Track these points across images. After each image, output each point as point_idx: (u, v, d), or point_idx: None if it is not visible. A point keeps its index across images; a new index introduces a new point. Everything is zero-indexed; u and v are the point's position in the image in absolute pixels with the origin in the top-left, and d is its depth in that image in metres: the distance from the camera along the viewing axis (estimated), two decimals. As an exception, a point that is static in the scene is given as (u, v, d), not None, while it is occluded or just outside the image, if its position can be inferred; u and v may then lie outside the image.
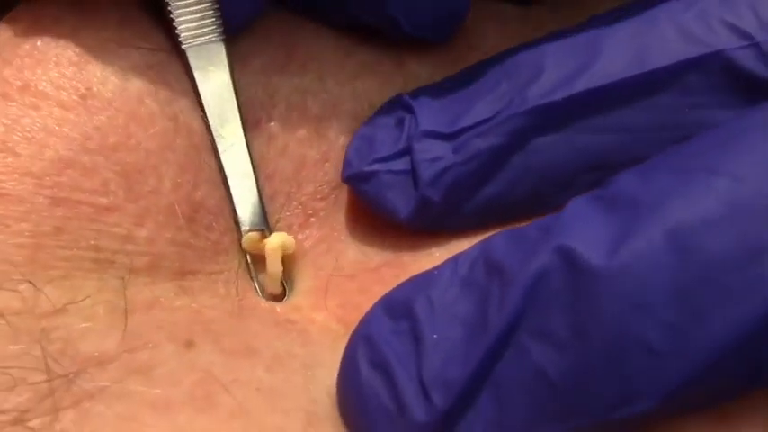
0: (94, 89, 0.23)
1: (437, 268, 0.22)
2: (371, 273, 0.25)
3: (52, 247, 0.22)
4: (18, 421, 0.19)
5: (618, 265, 0.18)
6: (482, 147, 0.24)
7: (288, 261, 0.25)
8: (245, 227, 0.25)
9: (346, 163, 0.25)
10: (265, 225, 0.25)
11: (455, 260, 0.21)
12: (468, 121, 0.24)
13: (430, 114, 0.24)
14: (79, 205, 0.23)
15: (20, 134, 0.22)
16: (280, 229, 0.26)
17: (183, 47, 0.25)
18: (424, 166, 0.24)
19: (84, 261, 0.22)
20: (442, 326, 0.20)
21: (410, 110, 0.25)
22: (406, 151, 0.24)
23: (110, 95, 0.24)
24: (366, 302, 0.23)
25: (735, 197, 0.18)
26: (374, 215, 0.25)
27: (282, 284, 0.25)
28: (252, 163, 0.25)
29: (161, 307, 0.23)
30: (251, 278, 0.25)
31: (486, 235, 0.24)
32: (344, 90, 0.27)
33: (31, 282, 0.21)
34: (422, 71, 0.27)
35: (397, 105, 0.25)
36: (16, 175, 0.22)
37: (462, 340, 0.19)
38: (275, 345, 0.23)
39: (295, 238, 0.25)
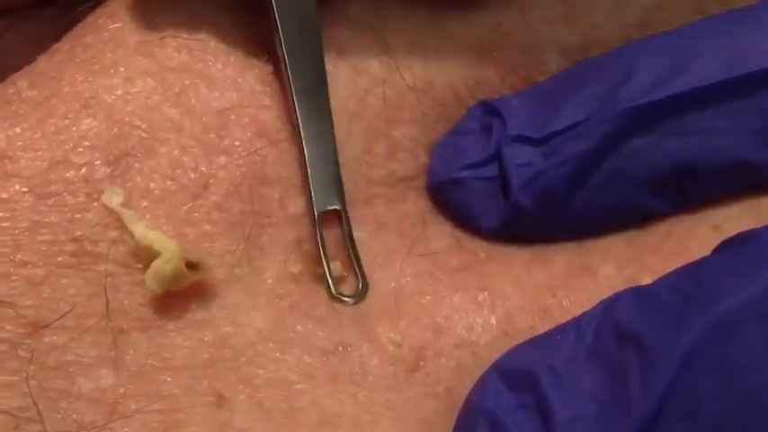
0: (100, 98, 0.23)
1: (557, 332, 0.20)
2: (454, 276, 0.24)
3: (32, 243, 0.21)
4: None
5: None
6: (573, 151, 0.23)
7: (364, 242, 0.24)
8: (317, 203, 0.23)
9: (431, 171, 0.25)
10: (340, 203, 0.23)
11: (577, 324, 0.20)
12: (557, 125, 0.23)
13: (519, 119, 0.24)
14: (61, 197, 0.22)
15: (19, 144, 0.22)
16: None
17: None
18: (515, 172, 0.23)
19: (65, 256, 0.21)
20: (572, 402, 0.19)
21: (497, 115, 0.24)
22: (495, 157, 0.24)
23: (111, 100, 0.23)
24: (447, 317, 0.23)
25: None
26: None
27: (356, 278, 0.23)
28: (333, 136, 0.23)
29: (165, 330, 0.21)
30: (324, 265, 0.23)
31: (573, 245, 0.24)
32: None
33: (5, 295, 0.21)
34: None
35: (482, 111, 0.25)
36: (8, 179, 0.22)
37: (599, 421, 0.18)
38: (321, 401, 0.21)
39: (358, 214, 0.24)
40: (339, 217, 0.23)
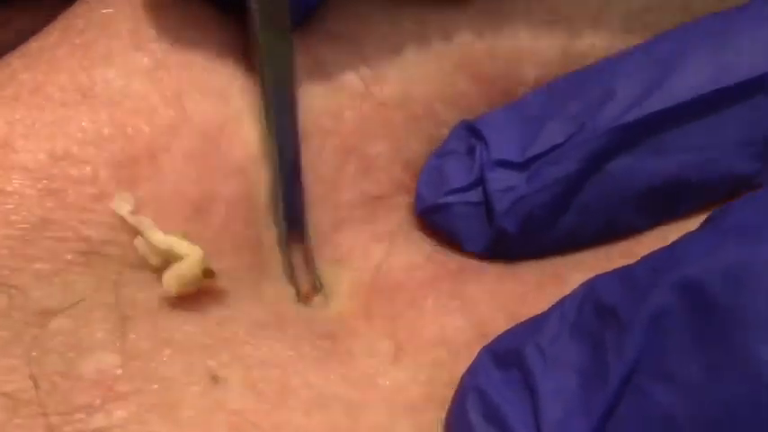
0: (97, 89, 0.23)
1: (544, 314, 0.21)
2: (423, 285, 0.24)
3: (40, 239, 0.21)
4: None
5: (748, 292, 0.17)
6: (556, 174, 0.23)
7: (324, 264, 0.24)
8: (281, 225, 0.24)
9: (418, 196, 0.25)
10: (302, 226, 0.24)
11: (561, 304, 0.20)
12: (539, 147, 0.23)
13: (500, 142, 0.24)
14: (68, 195, 0.22)
15: (20, 132, 0.23)
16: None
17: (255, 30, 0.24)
18: (498, 197, 0.23)
19: (74, 254, 0.22)
20: (556, 375, 0.19)
21: (479, 137, 0.24)
22: (480, 181, 0.24)
23: (112, 93, 0.23)
24: (419, 319, 0.23)
25: None
26: (423, 227, 0.25)
27: (317, 286, 0.24)
28: (299, 159, 0.24)
29: (168, 316, 0.22)
30: (289, 278, 0.24)
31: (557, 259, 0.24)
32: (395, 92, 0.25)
33: (14, 286, 0.21)
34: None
35: (465, 133, 0.25)
36: (12, 170, 0.22)
37: (580, 390, 0.19)
38: (313, 382, 0.22)
39: (326, 240, 0.25)
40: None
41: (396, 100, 0.25)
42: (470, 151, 0.24)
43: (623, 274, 0.19)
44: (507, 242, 0.24)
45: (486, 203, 0.24)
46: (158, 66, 0.24)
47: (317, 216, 0.25)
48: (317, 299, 0.24)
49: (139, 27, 0.24)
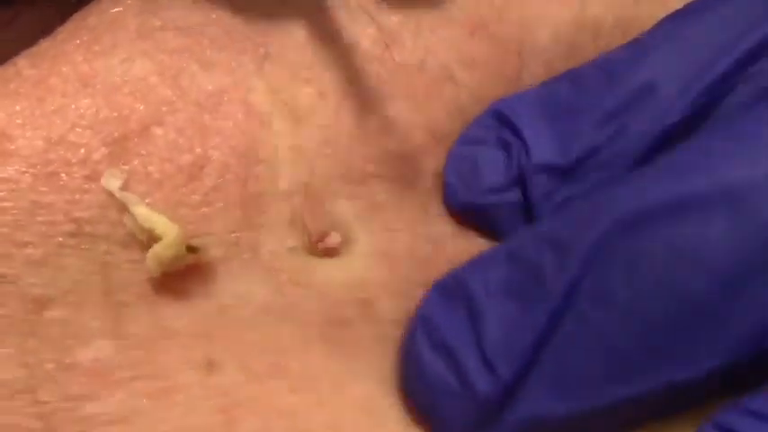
0: (99, 77, 0.23)
1: (489, 250, 0.22)
2: (452, 261, 0.23)
3: (31, 224, 0.21)
4: None
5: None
6: (601, 178, 0.23)
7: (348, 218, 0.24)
8: None
9: (449, 187, 0.24)
10: None
11: (506, 242, 0.22)
12: (579, 148, 0.23)
13: (539, 142, 0.23)
14: (60, 178, 0.22)
15: (18, 122, 0.23)
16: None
17: None
18: (540, 200, 0.23)
19: (64, 236, 0.22)
20: (498, 300, 0.20)
21: (515, 132, 0.24)
22: (518, 181, 0.24)
23: (113, 79, 0.23)
24: None
25: None
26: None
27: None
28: None
29: (165, 301, 0.22)
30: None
31: None
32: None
33: (5, 273, 0.21)
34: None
35: (495, 122, 0.24)
36: (8, 158, 0.22)
37: (521, 311, 0.20)
38: (310, 362, 0.22)
39: (352, 193, 0.24)
40: None
41: (413, 64, 0.25)
42: (503, 145, 0.24)
43: (564, 212, 0.21)
44: None
45: (530, 207, 0.23)
46: (161, 50, 0.24)
47: (344, 167, 0.24)
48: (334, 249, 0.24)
49: (147, 20, 0.25)
